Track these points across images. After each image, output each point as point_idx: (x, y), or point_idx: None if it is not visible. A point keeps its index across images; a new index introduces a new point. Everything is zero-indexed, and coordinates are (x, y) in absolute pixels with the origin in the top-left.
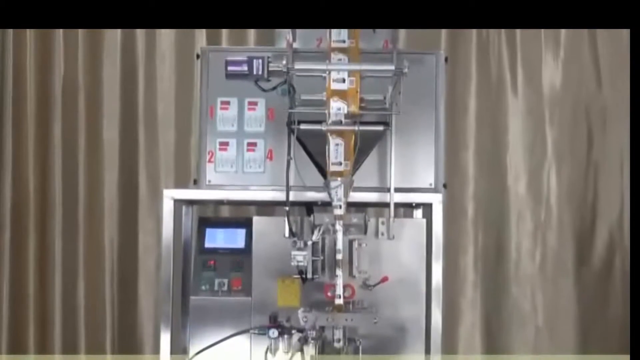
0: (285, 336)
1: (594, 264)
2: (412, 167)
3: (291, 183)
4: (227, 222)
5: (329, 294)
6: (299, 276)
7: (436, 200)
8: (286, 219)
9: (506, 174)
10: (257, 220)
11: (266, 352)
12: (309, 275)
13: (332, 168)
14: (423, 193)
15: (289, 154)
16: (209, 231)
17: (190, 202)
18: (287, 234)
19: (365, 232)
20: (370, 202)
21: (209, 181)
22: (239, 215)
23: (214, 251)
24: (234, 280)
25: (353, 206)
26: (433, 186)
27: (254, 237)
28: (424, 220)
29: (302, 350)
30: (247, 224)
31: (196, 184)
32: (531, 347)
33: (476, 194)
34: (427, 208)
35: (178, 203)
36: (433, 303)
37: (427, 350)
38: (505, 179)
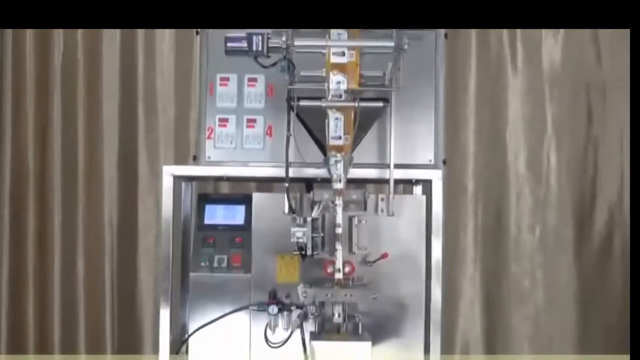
0: (285, 312)
1: (593, 241)
2: (412, 144)
3: (291, 159)
4: (226, 199)
5: (329, 270)
6: (298, 252)
7: (436, 177)
8: (286, 196)
9: (506, 150)
10: (256, 196)
11: (266, 329)
12: (309, 252)
13: (332, 142)
14: (423, 169)
15: (288, 130)
16: (208, 208)
17: (190, 179)
18: (286, 211)
19: (365, 209)
20: (369, 178)
21: (209, 157)
22: (239, 192)
23: (214, 228)
24: (234, 257)
25: (353, 182)
26: (433, 162)
27: (254, 214)
28: (424, 197)
29: (301, 327)
30: (246, 201)
31: (195, 160)
32: (531, 324)
33: (476, 170)
34: (427, 184)
35: (177, 179)
36: (433, 279)
37: (427, 327)
38: (505, 156)
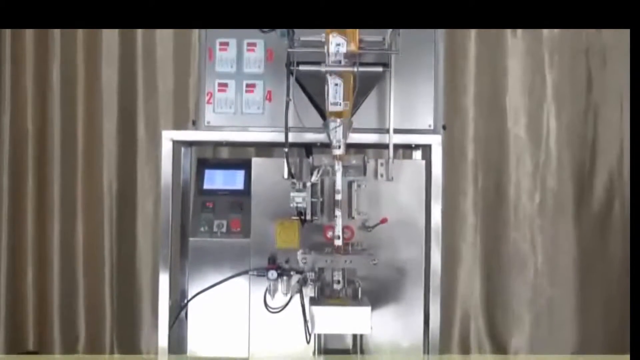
0: (284, 278)
1: (593, 206)
2: (412, 109)
3: (290, 124)
4: (226, 164)
5: (328, 235)
6: (298, 218)
7: (435, 142)
8: (285, 160)
9: (506, 116)
10: (256, 161)
11: (265, 294)
12: (308, 217)
13: (331, 108)
14: (422, 134)
15: (288, 95)
16: (207, 172)
17: (189, 144)
18: (286, 176)
19: (365, 174)
20: (369, 143)
21: (208, 122)
22: (238, 157)
23: (213, 193)
24: (233, 222)
25: (352, 147)
26: (432, 127)
27: (253, 179)
28: (423, 162)
29: (301, 292)
30: (246, 165)
31: (195, 125)
32: (530, 289)
33: (476, 135)
34: (426, 149)
35: (177, 144)
36: (432, 245)
37: (426, 292)
38: (504, 121)
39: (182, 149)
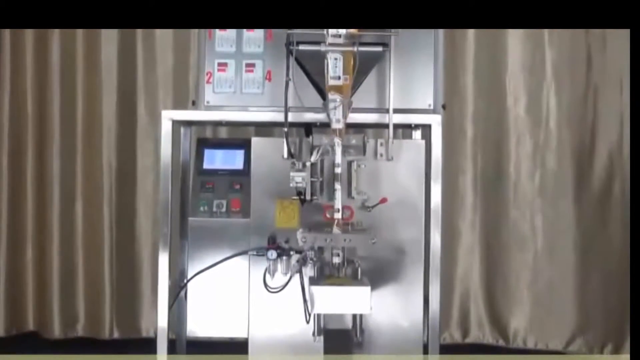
0: (284, 257)
1: (593, 185)
2: (411, 88)
3: (290, 104)
4: (225, 143)
5: (328, 215)
6: (297, 197)
7: (435, 121)
8: (285, 140)
9: (505, 95)
10: (255, 141)
11: (265, 274)
12: (308, 197)
13: (331, 82)
14: (422, 114)
15: (287, 75)
16: (207, 152)
17: (189, 123)
18: (285, 155)
19: (364, 153)
20: (369, 123)
21: (208, 102)
22: (238, 137)
23: (213, 172)
24: (233, 202)
25: (352, 127)
26: (432, 107)
27: (253, 158)
28: (423, 142)
29: (300, 272)
30: (245, 145)
31: (194, 105)
32: (530, 269)
33: (475, 115)
34: (426, 129)
35: (176, 124)
36: (432, 225)
37: (426, 272)
38: (504, 101)
39: (182, 129)
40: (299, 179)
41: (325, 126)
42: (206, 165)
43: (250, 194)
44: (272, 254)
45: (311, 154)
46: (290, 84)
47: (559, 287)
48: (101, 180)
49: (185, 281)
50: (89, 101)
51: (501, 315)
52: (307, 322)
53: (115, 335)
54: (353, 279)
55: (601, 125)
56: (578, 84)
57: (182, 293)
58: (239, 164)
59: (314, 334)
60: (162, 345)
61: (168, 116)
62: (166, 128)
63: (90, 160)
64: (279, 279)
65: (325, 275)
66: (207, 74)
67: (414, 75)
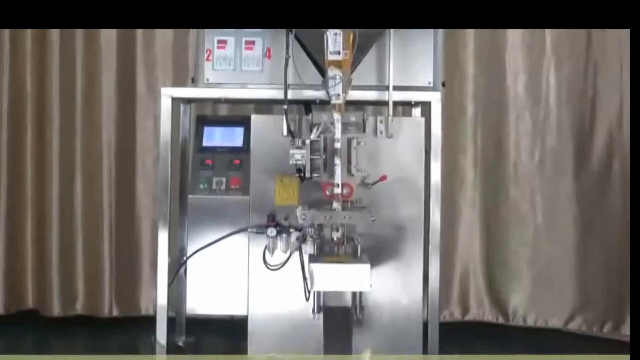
0: (284, 235)
1: (592, 163)
2: (411, 66)
3: (289, 81)
4: (225, 121)
5: (327, 192)
6: (297, 175)
7: (435, 99)
8: (284, 118)
9: (505, 72)
10: (255, 118)
11: (264, 251)
12: (308, 174)
13: (331, 57)
14: (422, 92)
15: (287, 52)
16: (207, 130)
17: (188, 101)
18: (285, 133)
19: (364, 131)
20: (368, 100)
21: (207, 79)
22: (237, 114)
23: (212, 150)
24: (232, 179)
25: (352, 105)
26: (431, 85)
27: (252, 136)
28: (423, 119)
29: (300, 249)
30: (245, 123)
31: (194, 82)
32: (530, 246)
33: (475, 93)
34: (426, 106)
35: (176, 101)
36: (432, 202)
37: (426, 250)
38: (504, 78)
39: (181, 106)
40: (299, 156)
41: (324, 104)
42: (206, 143)
43: (249, 172)
44: (272, 231)
45: (311, 131)
46: (290, 61)
47: (559, 264)
48: (101, 158)
49: (184, 259)
50: (88, 78)
51: (501, 293)
52: (307, 299)
53: (115, 313)
54: (353, 257)
55: (601, 102)
56: (578, 61)
57: (182, 270)
58: (238, 142)
59: (313, 311)
60: (161, 322)
61: (168, 93)
62: (166, 105)
63: (90, 138)
64: (278, 256)
65: (325, 253)
66: (206, 52)
67: (413, 52)
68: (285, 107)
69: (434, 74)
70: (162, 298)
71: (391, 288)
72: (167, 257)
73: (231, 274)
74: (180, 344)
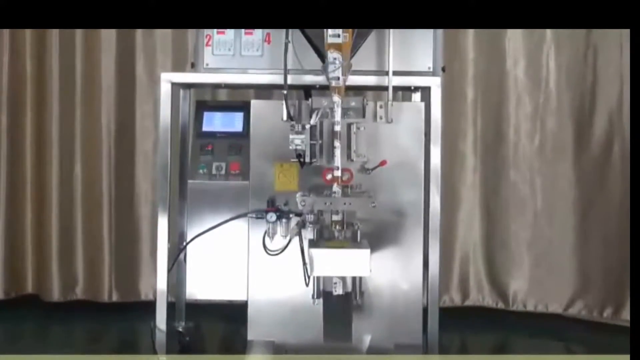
0: (283, 220)
1: (593, 147)
2: (411, 51)
3: (289, 66)
4: (224, 106)
5: (327, 177)
6: (297, 160)
7: (434, 84)
8: (284, 103)
9: (505, 57)
10: (255, 103)
11: (264, 236)
12: (307, 159)
13: (330, 40)
14: (421, 76)
15: (287, 37)
16: (206, 115)
17: (188, 86)
18: (285, 118)
19: (364, 116)
20: (368, 85)
21: (207, 64)
22: (237, 99)
23: (212, 135)
24: (232, 164)
25: (351, 90)
26: (431, 69)
27: (252, 121)
28: (423, 104)
29: (300, 235)
30: (245, 108)
31: (194, 67)
32: (530, 232)
33: (475, 77)
34: (426, 91)
35: (175, 86)
36: (432, 187)
37: (426, 234)
38: (504, 62)
39: (181, 91)
40: (299, 141)
41: (324, 88)
42: (205, 128)
43: (249, 157)
44: (272, 216)
45: (310, 116)
46: (290, 46)
47: (559, 249)
48: (100, 142)
49: (184, 244)
50: (87, 62)
51: (501, 278)
52: (307, 284)
53: (115, 298)
54: (352, 242)
55: (601, 86)
56: (578, 45)
57: (182, 256)
58: (238, 127)
59: (313, 296)
60: (161, 308)
61: (167, 78)
62: (165, 90)
63: (89, 122)
64: (278, 241)
65: (325, 238)
66: (206, 37)
67: (413, 37)
68: (285, 92)
69: (434, 58)
70: (161, 283)
71: (391, 273)
72: (166, 242)
73: (231, 259)
74: (180, 329)
